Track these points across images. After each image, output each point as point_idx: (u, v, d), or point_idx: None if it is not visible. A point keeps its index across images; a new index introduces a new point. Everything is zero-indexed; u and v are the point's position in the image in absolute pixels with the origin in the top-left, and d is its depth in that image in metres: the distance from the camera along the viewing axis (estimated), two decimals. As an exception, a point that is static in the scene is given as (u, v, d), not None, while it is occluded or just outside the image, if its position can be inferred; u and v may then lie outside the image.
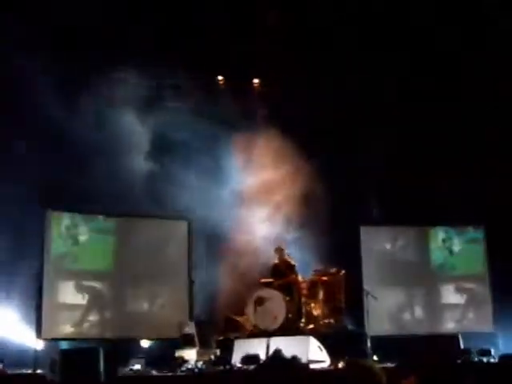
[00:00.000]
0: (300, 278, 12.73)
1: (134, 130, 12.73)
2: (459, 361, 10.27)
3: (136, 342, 12.13)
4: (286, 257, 12.87)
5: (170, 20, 12.45)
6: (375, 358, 11.12)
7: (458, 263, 14.15)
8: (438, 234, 14.28)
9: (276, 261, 12.87)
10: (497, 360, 10.09)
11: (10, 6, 11.43)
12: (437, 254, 14.19)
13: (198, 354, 10.47)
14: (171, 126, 13.07)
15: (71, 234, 12.21)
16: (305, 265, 13.17)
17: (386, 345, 11.67)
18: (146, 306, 12.50)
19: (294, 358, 9.33)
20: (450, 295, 14.03)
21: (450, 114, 13.75)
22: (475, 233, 14.23)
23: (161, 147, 13.15)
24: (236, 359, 10.45)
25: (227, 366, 10.01)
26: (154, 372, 9.87)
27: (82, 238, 12.29)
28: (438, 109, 13.80)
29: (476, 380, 6.29)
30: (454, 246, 14.19)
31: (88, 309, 12.12)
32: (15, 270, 11.42)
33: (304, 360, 9.93)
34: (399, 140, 13.73)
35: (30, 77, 11.31)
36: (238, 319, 12.38)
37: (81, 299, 12.13)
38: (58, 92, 11.59)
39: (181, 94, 13.72)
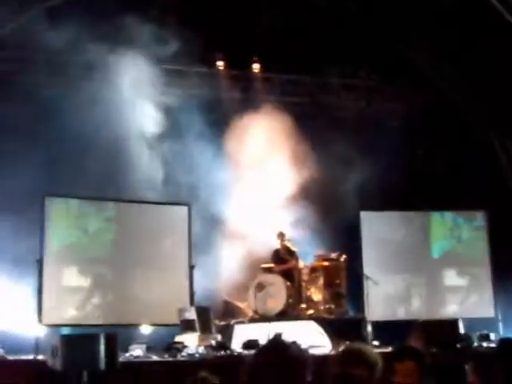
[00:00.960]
0: (301, 263, 12.74)
1: (134, 114, 12.68)
2: (459, 345, 10.30)
3: (137, 327, 12.13)
4: (287, 242, 12.89)
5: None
6: (376, 343, 11.15)
7: (463, 250, 14.12)
8: (445, 220, 14.24)
9: (277, 246, 12.88)
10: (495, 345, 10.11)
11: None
12: (442, 239, 14.15)
13: (199, 339, 10.48)
14: (170, 112, 13.07)
15: (77, 222, 12.19)
16: (306, 250, 13.19)
17: (387, 330, 11.68)
18: (146, 291, 12.48)
19: (295, 343, 9.36)
20: (452, 280, 14.00)
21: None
22: (478, 218, 14.20)
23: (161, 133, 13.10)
24: (236, 344, 10.49)
25: (228, 351, 10.05)
26: (155, 357, 9.89)
27: (88, 225, 12.28)
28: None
29: (475, 365, 6.29)
30: (462, 232, 14.16)
31: (88, 295, 12.11)
32: (18, 255, 11.41)
33: (305, 345, 9.96)
34: (400, 123, 13.72)
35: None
36: (238, 304, 12.42)
37: (81, 285, 12.11)
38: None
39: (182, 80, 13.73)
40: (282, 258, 12.72)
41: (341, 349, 4.98)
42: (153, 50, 12.40)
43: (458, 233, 14.16)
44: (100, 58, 12.23)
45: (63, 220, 12.09)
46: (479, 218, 14.17)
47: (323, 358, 9.80)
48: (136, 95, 12.72)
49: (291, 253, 12.76)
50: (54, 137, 12.12)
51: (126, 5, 11.85)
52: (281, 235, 12.90)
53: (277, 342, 3.95)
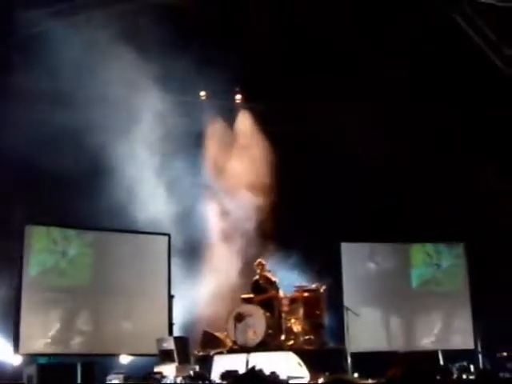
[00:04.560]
0: (281, 293, 12.70)
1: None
2: (438, 377, 10.26)
3: (115, 357, 12.02)
4: (267, 272, 12.86)
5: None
6: (356, 375, 11.10)
7: (443, 279, 14.17)
8: (425, 250, 14.29)
9: (256, 276, 12.85)
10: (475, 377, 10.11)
11: None
12: (421, 270, 14.19)
13: (177, 369, 10.40)
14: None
15: (56, 249, 12.11)
16: (285, 281, 13.15)
17: (367, 361, 11.64)
18: (124, 321, 12.40)
19: (273, 374, 9.31)
20: (431, 312, 14.02)
21: (433, 131, 13.84)
22: (458, 249, 14.27)
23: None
24: (215, 375, 10.41)
25: (206, 382, 9.97)
26: (133, 387, 9.81)
27: (69, 252, 12.20)
28: (423, 124, 13.91)
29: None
30: (442, 262, 14.22)
31: (66, 324, 11.98)
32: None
33: (283, 376, 9.90)
34: (382, 155, 13.78)
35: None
36: (217, 335, 12.34)
37: (58, 314, 11.99)
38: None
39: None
40: (262, 288, 12.67)
41: (326, 380, 4.95)
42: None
43: (437, 260, 14.23)
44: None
45: (42, 245, 12.01)
46: (458, 248, 14.24)
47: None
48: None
49: (271, 283, 12.72)
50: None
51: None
52: (260, 265, 12.88)
53: (253, 372, 3.94)
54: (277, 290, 12.67)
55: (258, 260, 12.94)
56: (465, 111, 13.45)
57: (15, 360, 10.81)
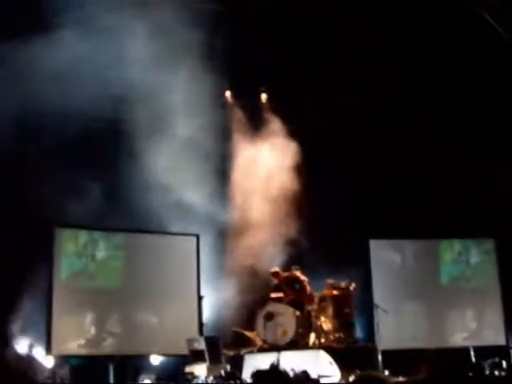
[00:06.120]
0: (310, 292, 12.68)
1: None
2: (471, 374, 10.19)
3: (146, 358, 12.08)
4: (296, 271, 12.84)
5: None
6: (386, 372, 11.06)
7: (473, 275, 14.09)
8: (454, 246, 14.22)
9: (286, 275, 12.83)
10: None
11: None
12: (451, 266, 14.12)
13: (208, 369, 10.43)
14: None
15: (87, 252, 12.21)
16: (315, 279, 13.13)
17: (397, 359, 11.60)
18: (155, 321, 12.48)
19: (305, 373, 9.31)
20: (462, 308, 13.94)
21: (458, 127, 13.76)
22: (487, 245, 14.18)
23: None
24: (246, 374, 10.42)
25: (237, 382, 9.98)
26: (164, 387, 9.87)
27: (98, 254, 12.31)
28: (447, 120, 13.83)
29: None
30: (471, 258, 14.14)
31: (97, 325, 12.09)
32: (27, 288, 11.41)
33: (314, 375, 9.90)
34: (408, 153, 13.71)
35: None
36: (247, 334, 12.35)
37: (90, 316, 12.10)
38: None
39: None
40: (292, 287, 12.66)
41: (356, 377, 4.93)
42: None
43: (466, 256, 14.14)
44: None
45: (72, 248, 12.12)
46: (488, 244, 14.15)
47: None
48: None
49: (300, 282, 12.70)
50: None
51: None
52: (276, 274, 12.76)
53: (273, 367, 3.96)
54: (306, 288, 12.65)
55: (275, 269, 12.84)
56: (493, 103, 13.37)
57: (48, 361, 10.90)
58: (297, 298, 12.50)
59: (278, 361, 10.28)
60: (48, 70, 10.85)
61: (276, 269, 12.80)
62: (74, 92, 11.31)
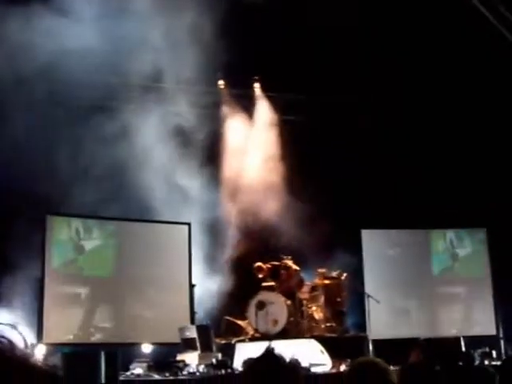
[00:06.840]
0: (299, 277, 12.70)
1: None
2: (461, 363, 10.23)
3: (137, 346, 12.10)
4: (288, 260, 12.85)
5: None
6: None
7: (465, 265, 14.13)
8: (446, 236, 14.25)
9: (269, 266, 12.80)
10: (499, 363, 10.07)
11: None
12: (442, 256, 14.16)
13: (200, 357, 10.45)
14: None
15: (78, 240, 12.18)
16: (307, 268, 13.15)
17: (388, 348, 11.63)
18: (146, 310, 12.49)
19: (295, 360, 9.32)
20: (453, 297, 14.00)
21: (451, 118, 13.79)
22: (480, 234, 14.22)
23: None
24: (238, 363, 10.45)
25: (229, 370, 10.01)
26: (156, 376, 9.87)
27: (90, 243, 12.27)
28: (441, 112, 13.85)
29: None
30: (463, 248, 14.17)
31: (89, 314, 12.10)
32: (18, 276, 11.37)
33: (305, 363, 9.93)
34: (401, 141, 13.74)
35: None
36: (239, 323, 12.37)
37: (81, 305, 12.10)
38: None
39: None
40: (283, 276, 12.67)
41: (351, 364, 4.93)
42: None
43: (458, 246, 14.17)
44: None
45: (64, 236, 12.08)
46: (481, 233, 14.19)
47: (324, 376, 9.87)
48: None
49: (292, 271, 12.72)
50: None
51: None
52: (259, 269, 12.70)
53: (268, 351, 3.95)
54: (297, 277, 12.67)
55: (257, 264, 12.79)
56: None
57: (39, 350, 10.89)
58: (286, 285, 12.50)
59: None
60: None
61: (258, 263, 12.75)
62: (65, 75, 11.26)
